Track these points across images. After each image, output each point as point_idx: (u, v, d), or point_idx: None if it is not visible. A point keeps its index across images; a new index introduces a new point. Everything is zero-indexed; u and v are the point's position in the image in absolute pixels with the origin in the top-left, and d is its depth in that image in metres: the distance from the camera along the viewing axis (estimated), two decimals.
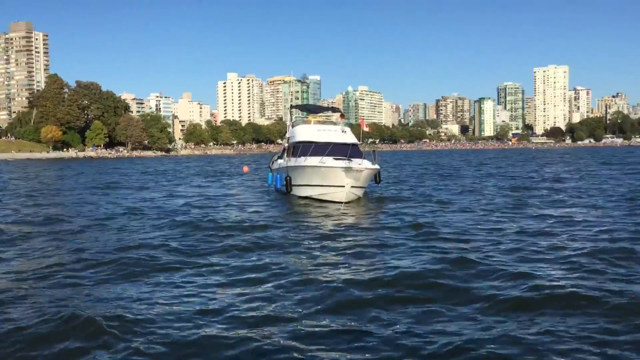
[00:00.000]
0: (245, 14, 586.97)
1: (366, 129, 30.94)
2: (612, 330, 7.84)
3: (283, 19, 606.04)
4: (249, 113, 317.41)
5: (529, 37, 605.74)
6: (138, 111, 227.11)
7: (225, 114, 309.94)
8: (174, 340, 7.63)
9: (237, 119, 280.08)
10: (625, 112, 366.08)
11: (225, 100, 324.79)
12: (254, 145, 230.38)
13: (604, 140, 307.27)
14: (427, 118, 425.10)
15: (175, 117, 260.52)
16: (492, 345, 7.25)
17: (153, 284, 10.63)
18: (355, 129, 50.56)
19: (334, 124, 30.69)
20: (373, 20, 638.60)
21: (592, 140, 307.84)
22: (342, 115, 33.10)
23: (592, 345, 7.29)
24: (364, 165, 24.05)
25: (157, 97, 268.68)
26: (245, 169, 62.15)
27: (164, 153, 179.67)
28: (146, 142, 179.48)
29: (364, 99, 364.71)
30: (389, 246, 14.25)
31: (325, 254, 13.45)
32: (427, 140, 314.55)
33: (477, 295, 9.53)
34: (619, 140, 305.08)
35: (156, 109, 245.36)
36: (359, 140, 28.95)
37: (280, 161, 30.96)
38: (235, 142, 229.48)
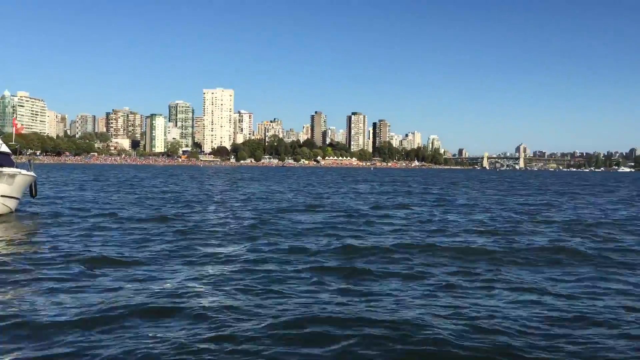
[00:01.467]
0: None
1: (18, 127, 29.54)
2: None
3: None
4: None
5: (200, 59, 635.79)
6: None
7: None
8: None
9: None
10: (281, 136, 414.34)
11: None
12: None
13: (262, 160, 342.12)
14: (96, 131, 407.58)
15: None
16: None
17: None
18: (10, 137, 47.13)
19: None
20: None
21: (253, 160, 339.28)
22: None
23: None
24: (17, 171, 22.95)
25: None
26: None
27: None
28: None
29: (23, 106, 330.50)
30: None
31: None
32: (96, 154, 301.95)
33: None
34: (275, 161, 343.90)
35: None
36: (15, 143, 27.31)
37: None
38: None
